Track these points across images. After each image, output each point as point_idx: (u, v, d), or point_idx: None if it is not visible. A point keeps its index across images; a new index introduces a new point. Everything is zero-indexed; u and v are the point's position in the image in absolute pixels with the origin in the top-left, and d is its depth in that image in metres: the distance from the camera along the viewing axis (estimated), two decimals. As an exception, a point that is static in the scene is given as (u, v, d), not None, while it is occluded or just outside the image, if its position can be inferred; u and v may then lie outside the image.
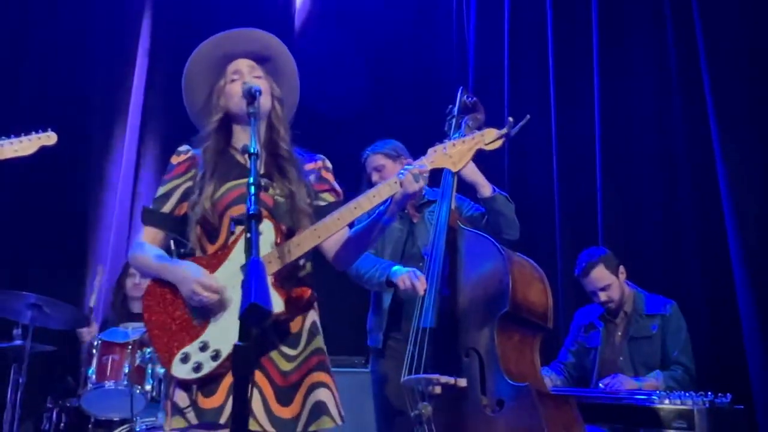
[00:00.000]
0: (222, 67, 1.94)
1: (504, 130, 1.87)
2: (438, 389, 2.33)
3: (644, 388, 2.88)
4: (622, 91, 3.92)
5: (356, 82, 5.03)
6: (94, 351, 3.35)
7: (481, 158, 2.78)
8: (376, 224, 1.86)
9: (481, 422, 2.28)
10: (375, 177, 3.01)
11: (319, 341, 1.88)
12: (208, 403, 1.71)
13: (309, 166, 1.98)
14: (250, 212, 1.49)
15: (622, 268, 3.22)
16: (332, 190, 1.99)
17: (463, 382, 2.33)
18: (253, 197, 1.52)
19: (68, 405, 3.52)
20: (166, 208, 1.89)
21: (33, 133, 2.64)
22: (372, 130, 4.69)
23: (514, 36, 4.53)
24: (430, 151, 1.87)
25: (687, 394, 2.49)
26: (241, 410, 1.42)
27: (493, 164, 3.24)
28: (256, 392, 1.73)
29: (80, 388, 3.39)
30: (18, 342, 3.38)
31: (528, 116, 1.99)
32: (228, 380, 1.72)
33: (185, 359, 1.72)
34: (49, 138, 2.65)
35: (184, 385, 1.74)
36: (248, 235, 1.47)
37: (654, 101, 3.83)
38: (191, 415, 1.71)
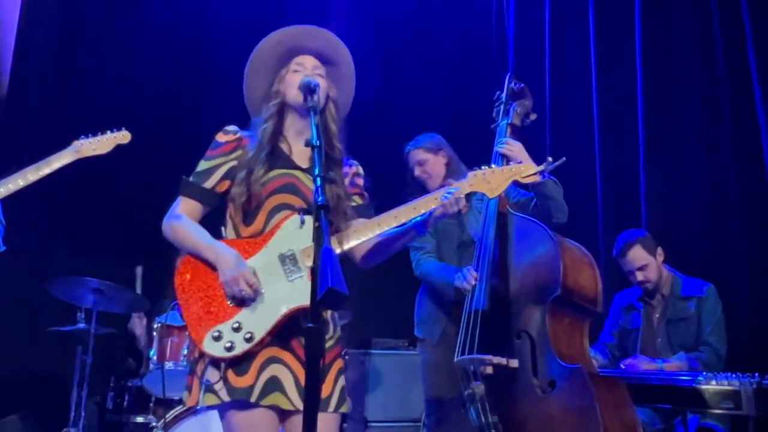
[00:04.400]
0: (288, 57, 2.00)
1: (541, 167, 2.03)
2: (489, 369, 2.41)
3: (666, 369, 2.90)
4: (665, 72, 3.87)
5: (393, 68, 5.07)
6: (154, 334, 3.51)
7: (524, 142, 2.85)
8: (408, 232, 1.94)
9: (533, 402, 2.35)
10: (418, 171, 3.11)
11: (339, 330, 1.97)
12: (239, 381, 1.75)
13: (344, 170, 2.05)
14: (319, 203, 1.55)
15: (660, 250, 3.25)
16: (361, 194, 2.09)
17: (514, 363, 2.40)
18: (320, 188, 1.58)
19: (130, 385, 3.70)
20: (208, 183, 1.92)
21: (108, 131, 2.75)
22: (410, 117, 4.76)
23: (555, 17, 4.51)
24: (470, 174, 1.99)
25: (734, 375, 2.48)
26: (314, 390, 1.48)
27: (535, 147, 3.25)
28: (288, 373, 1.80)
29: (142, 368, 3.55)
30: (82, 325, 3.55)
31: (564, 158, 2.12)
32: (259, 360, 1.78)
33: (218, 337, 1.74)
34: (124, 137, 2.77)
35: (215, 362, 1.78)
36: (317, 224, 1.54)
37: (698, 81, 3.77)
38: (223, 393, 1.75)
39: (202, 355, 1.80)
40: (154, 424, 3.45)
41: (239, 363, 1.77)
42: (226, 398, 1.76)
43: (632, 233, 3.30)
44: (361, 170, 2.12)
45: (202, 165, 1.94)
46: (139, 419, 3.64)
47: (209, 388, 1.77)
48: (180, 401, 3.41)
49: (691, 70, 3.82)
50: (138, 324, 3.90)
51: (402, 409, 4.11)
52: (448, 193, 1.89)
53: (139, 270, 4.00)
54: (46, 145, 2.78)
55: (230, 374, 1.77)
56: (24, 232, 3.80)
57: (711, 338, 3.04)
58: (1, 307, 3.98)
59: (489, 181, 1.98)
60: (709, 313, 3.09)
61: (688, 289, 3.18)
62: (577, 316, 2.48)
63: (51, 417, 3.86)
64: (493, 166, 2.04)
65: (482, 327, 2.47)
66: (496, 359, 2.39)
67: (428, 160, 3.08)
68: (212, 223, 1.96)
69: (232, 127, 1.99)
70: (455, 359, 2.52)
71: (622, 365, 3.03)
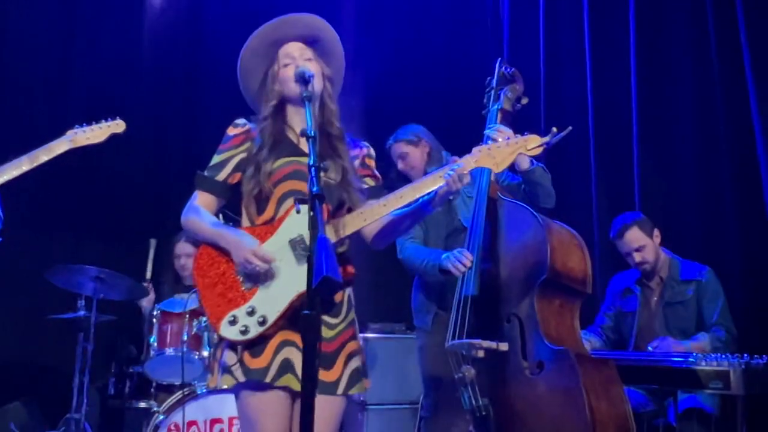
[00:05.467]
0: (274, 52, 2.03)
1: (546, 138, 2.00)
2: (481, 353, 2.45)
3: (692, 349, 2.90)
4: (658, 55, 3.89)
5: (387, 59, 5.06)
6: (154, 321, 3.56)
7: (516, 126, 2.87)
8: (417, 212, 1.99)
9: (522, 384, 2.41)
10: (400, 165, 3.13)
11: (353, 313, 2.04)
12: (254, 363, 1.84)
13: (354, 152, 2.08)
14: (314, 192, 1.59)
15: (657, 232, 3.27)
16: (373, 175, 2.12)
17: (504, 346, 2.45)
18: (314, 178, 1.62)
19: (131, 371, 3.75)
20: (221, 176, 2.00)
21: (103, 121, 2.78)
22: (406, 106, 4.76)
23: (550, 4, 4.51)
24: (475, 150, 1.99)
25: (723, 356, 2.52)
26: (310, 374, 1.54)
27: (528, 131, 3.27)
28: (300, 355, 1.82)
29: (143, 355, 3.60)
30: (82, 313, 3.58)
31: (570, 127, 2.08)
32: (274, 342, 1.86)
33: (233, 322, 1.83)
34: (118, 126, 2.79)
35: (232, 345, 1.87)
36: (312, 213, 1.58)
37: (691, 64, 3.79)
38: (238, 373, 1.84)
39: (221, 339, 1.88)
40: (155, 409, 3.49)
41: (255, 345, 1.85)
42: (242, 378, 1.84)
43: (629, 215, 3.34)
44: (372, 152, 2.16)
45: (215, 159, 2.02)
46: (141, 404, 3.69)
47: (227, 370, 1.87)
48: (180, 386, 3.46)
49: (686, 52, 3.82)
50: (146, 302, 3.91)
51: (400, 392, 4.17)
52: (452, 170, 1.92)
53: (153, 242, 3.98)
54: (43, 135, 2.79)
55: (246, 356, 1.85)
56: (23, 221, 3.84)
57: (723, 320, 3.06)
58: (2, 296, 4.02)
59: (494, 156, 1.99)
60: (713, 296, 3.11)
61: (687, 272, 3.21)
62: (566, 297, 2.51)
63: (53, 403, 3.92)
64: (500, 140, 2.04)
65: (473, 312, 2.51)
66: (486, 343, 2.43)
67: (409, 152, 3.11)
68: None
69: (240, 120, 2.05)
70: (446, 344, 2.56)
71: (649, 347, 3.00)
